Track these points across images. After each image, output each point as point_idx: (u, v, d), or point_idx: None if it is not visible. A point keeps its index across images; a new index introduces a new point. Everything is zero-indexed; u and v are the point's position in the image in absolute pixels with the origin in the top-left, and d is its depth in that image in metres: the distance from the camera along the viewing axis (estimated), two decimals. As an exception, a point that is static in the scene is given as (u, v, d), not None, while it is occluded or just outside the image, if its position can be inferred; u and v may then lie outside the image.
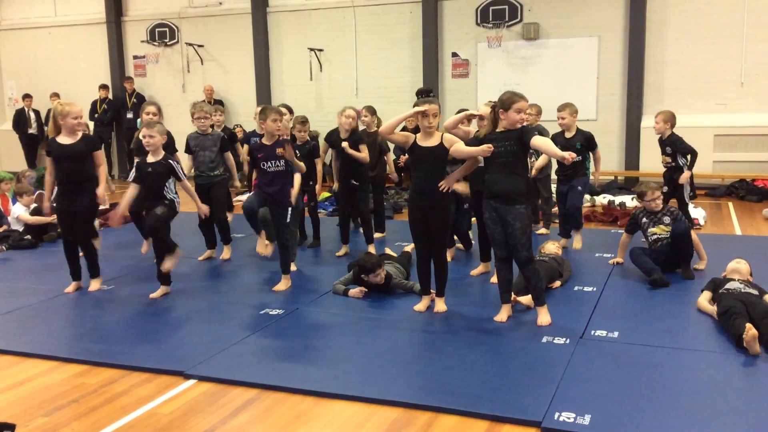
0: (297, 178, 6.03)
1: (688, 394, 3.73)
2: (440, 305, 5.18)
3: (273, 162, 5.64)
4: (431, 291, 5.24)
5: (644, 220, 6.16)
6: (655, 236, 6.04)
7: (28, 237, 7.87)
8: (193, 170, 6.82)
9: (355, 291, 5.56)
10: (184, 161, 6.74)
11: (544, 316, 4.84)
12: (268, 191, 5.71)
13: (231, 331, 4.87)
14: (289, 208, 5.74)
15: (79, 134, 5.78)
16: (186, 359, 4.35)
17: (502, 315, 4.95)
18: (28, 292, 5.94)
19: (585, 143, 6.93)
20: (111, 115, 14.49)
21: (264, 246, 5.83)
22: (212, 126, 7.01)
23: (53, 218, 8.03)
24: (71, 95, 13.89)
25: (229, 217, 7.20)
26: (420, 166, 5.02)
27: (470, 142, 5.68)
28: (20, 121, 14.94)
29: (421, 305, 5.22)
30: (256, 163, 5.76)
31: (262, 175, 5.74)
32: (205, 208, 6.04)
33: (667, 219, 6.04)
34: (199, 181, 6.77)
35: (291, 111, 7.78)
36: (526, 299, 5.07)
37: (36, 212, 8.08)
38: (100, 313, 5.39)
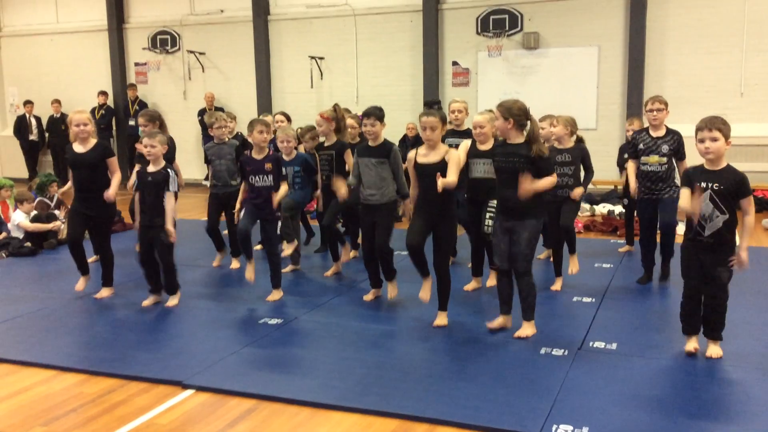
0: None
1: (686, 405, 3.73)
2: (441, 319, 5.09)
3: (261, 176, 5.66)
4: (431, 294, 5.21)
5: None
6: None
7: (29, 244, 7.87)
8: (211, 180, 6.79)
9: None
10: (199, 171, 6.84)
11: (527, 329, 4.79)
12: (256, 202, 5.70)
13: (229, 340, 4.87)
14: (279, 222, 5.73)
15: (93, 142, 5.81)
16: (184, 369, 4.35)
17: (497, 323, 4.95)
18: (27, 300, 5.94)
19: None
20: (108, 121, 14.55)
21: (252, 272, 5.82)
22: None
23: (53, 226, 8.08)
24: (73, 102, 13.94)
25: None
26: (423, 181, 4.98)
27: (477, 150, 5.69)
28: (21, 127, 15.00)
29: (425, 292, 5.19)
30: (245, 177, 5.77)
31: (250, 190, 5.75)
32: (173, 234, 5.52)
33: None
34: (216, 191, 6.76)
35: (288, 119, 7.77)
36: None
37: (36, 219, 8.09)
38: (100, 322, 5.40)
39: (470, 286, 6.04)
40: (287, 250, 6.41)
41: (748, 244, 4.28)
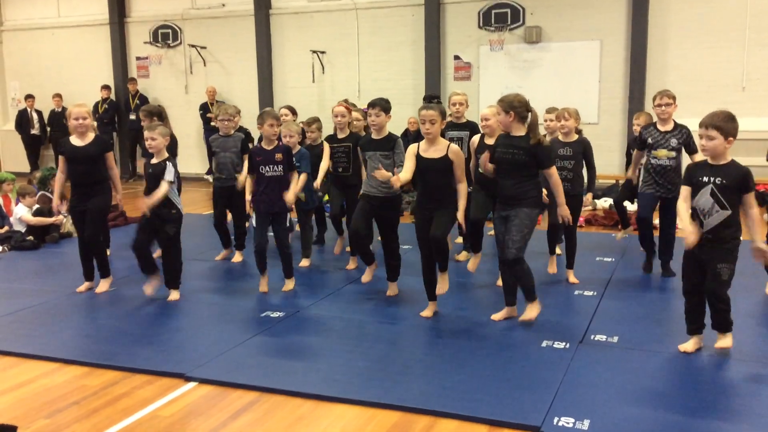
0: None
1: (687, 399, 3.74)
2: (442, 284, 5.07)
3: (271, 167, 5.66)
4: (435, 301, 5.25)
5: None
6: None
7: (31, 238, 7.88)
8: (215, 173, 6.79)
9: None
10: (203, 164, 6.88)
11: (531, 311, 4.82)
12: (265, 200, 5.69)
13: (232, 333, 4.88)
14: (288, 213, 5.74)
15: (91, 136, 5.79)
16: (187, 361, 4.36)
17: (501, 314, 5.00)
18: (30, 294, 5.95)
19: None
20: (111, 115, 14.55)
21: (266, 285, 5.84)
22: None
23: (56, 219, 8.08)
24: (74, 96, 13.91)
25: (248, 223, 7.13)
26: (425, 177, 4.97)
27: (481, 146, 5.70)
28: (23, 121, 14.98)
29: (427, 311, 5.19)
30: (254, 168, 5.77)
31: (259, 180, 5.73)
32: (150, 203, 5.44)
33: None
34: (220, 184, 6.74)
35: (294, 112, 7.77)
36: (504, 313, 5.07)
37: (38, 213, 8.10)
38: (102, 315, 5.41)
39: (469, 262, 5.90)
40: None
41: (762, 237, 4.25)
